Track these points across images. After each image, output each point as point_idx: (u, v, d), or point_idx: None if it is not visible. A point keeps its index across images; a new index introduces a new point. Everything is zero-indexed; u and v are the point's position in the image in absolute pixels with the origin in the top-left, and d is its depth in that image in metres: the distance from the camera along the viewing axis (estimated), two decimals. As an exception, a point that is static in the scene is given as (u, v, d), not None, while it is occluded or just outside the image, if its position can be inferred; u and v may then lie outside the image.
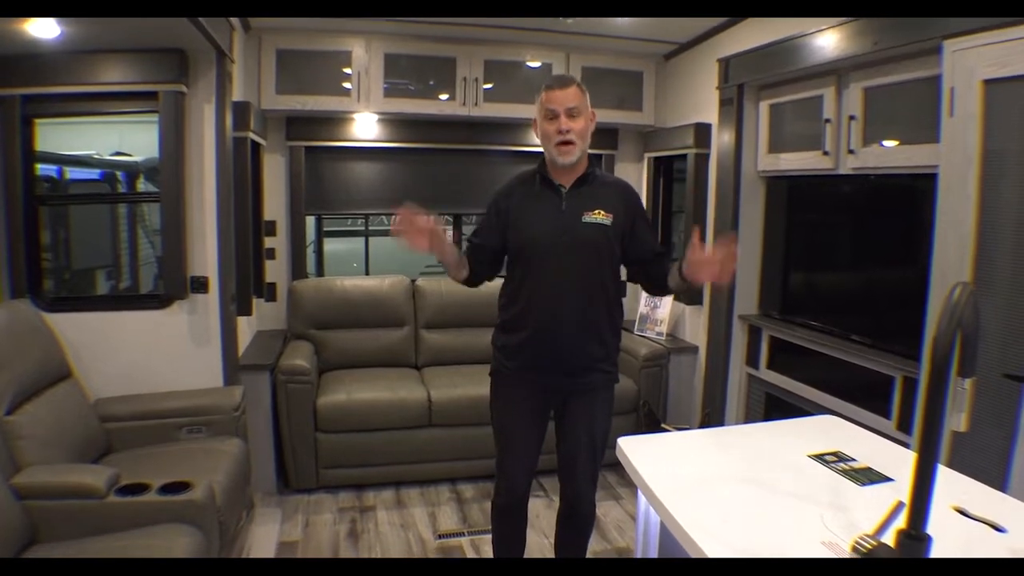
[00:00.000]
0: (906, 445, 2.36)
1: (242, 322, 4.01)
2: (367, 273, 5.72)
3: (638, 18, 4.14)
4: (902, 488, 1.29)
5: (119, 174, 4.96)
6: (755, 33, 3.91)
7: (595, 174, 2.63)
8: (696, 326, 4.75)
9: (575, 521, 2.84)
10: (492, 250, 2.68)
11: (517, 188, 2.67)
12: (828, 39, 3.33)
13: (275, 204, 4.79)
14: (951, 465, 2.24)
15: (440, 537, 3.65)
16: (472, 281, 2.71)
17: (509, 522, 2.87)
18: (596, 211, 2.54)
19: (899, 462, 1.95)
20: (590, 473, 2.72)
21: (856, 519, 1.60)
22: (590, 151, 2.67)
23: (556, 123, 2.49)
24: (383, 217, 8.88)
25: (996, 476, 2.44)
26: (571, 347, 2.56)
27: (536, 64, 4.83)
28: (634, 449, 2.05)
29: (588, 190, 2.58)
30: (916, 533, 1.19)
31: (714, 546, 1.48)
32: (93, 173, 4.97)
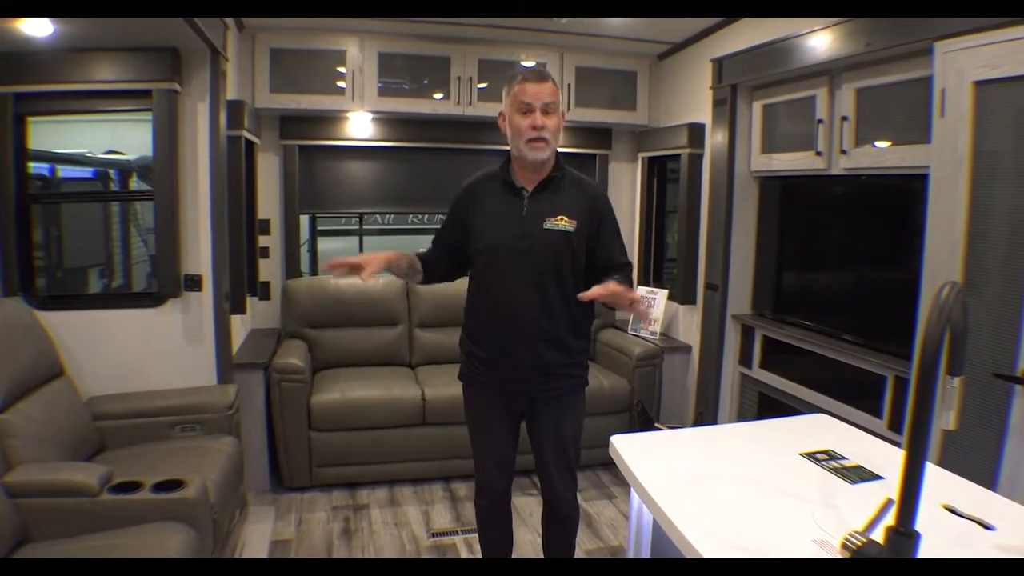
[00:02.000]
0: (897, 444, 2.36)
1: (236, 321, 4.01)
2: (361, 272, 5.71)
3: (632, 18, 4.16)
4: (892, 486, 1.30)
5: (112, 172, 4.95)
6: (748, 34, 3.93)
7: (562, 176, 2.53)
8: (689, 325, 4.77)
9: (556, 521, 2.82)
10: (450, 246, 2.62)
11: (481, 186, 2.59)
12: (821, 40, 3.35)
13: (269, 203, 4.79)
14: (942, 464, 2.25)
15: (433, 535, 3.65)
16: (427, 281, 2.67)
17: (493, 522, 2.88)
18: (559, 217, 2.46)
19: (890, 460, 1.96)
20: (564, 476, 2.69)
21: (846, 516, 1.61)
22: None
23: (531, 118, 2.41)
24: (377, 216, 8.88)
25: (986, 475, 2.46)
26: (532, 356, 2.50)
27: (530, 64, 4.83)
28: (627, 447, 2.06)
29: (551, 194, 2.50)
30: (904, 530, 1.20)
31: (706, 544, 1.49)
32: (86, 171, 4.95)
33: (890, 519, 1.23)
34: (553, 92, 2.44)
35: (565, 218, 2.47)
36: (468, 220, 2.56)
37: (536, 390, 2.57)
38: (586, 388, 2.71)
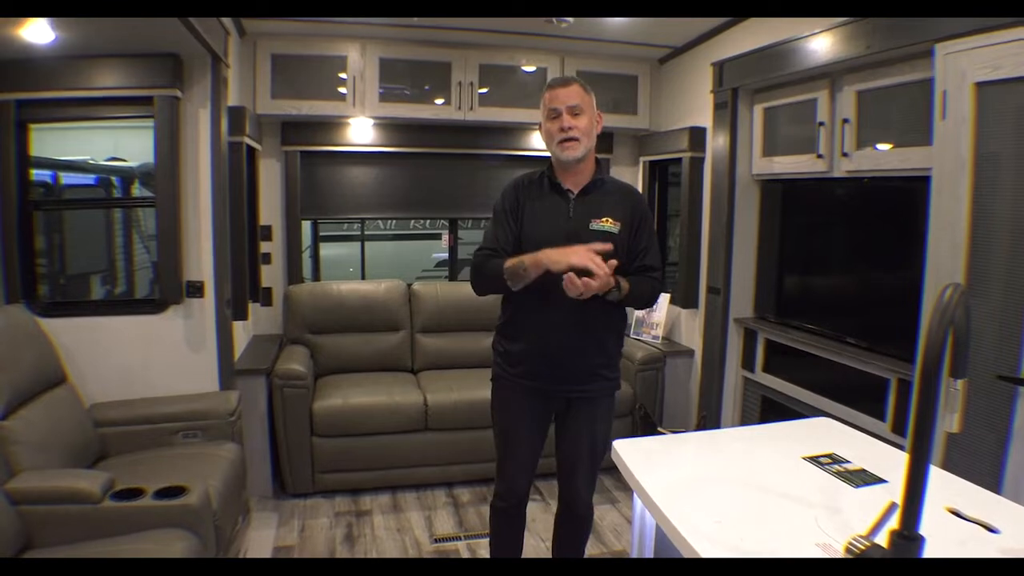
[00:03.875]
0: (901, 447, 2.37)
1: (238, 327, 4.01)
2: (363, 277, 5.72)
3: (633, 21, 4.17)
4: (896, 489, 1.30)
5: (114, 179, 4.96)
6: (749, 37, 3.93)
7: (604, 179, 2.61)
8: (692, 329, 4.76)
9: (572, 524, 2.84)
10: (517, 240, 2.58)
11: (524, 188, 2.61)
12: (821, 43, 3.35)
13: (271, 209, 4.79)
14: (946, 467, 2.24)
15: (436, 541, 3.64)
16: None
17: (507, 525, 2.87)
18: (604, 219, 2.52)
19: (893, 464, 1.95)
20: (589, 478, 2.72)
21: (850, 520, 1.60)
22: (596, 156, 2.65)
23: (559, 121, 2.48)
24: (379, 222, 8.90)
25: (990, 477, 2.45)
26: (573, 355, 2.54)
27: (531, 68, 4.84)
28: (630, 452, 2.06)
29: (596, 197, 2.55)
30: (909, 533, 1.19)
31: (709, 548, 1.48)
32: (88, 178, 4.96)
33: (894, 523, 1.22)
34: (578, 94, 2.50)
35: (610, 220, 2.52)
36: (518, 216, 2.57)
37: (574, 391, 2.60)
38: (617, 392, 2.74)
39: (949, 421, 1.38)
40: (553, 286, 2.40)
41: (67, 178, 4.76)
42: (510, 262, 2.45)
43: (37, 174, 3.84)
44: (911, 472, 1.17)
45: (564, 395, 2.61)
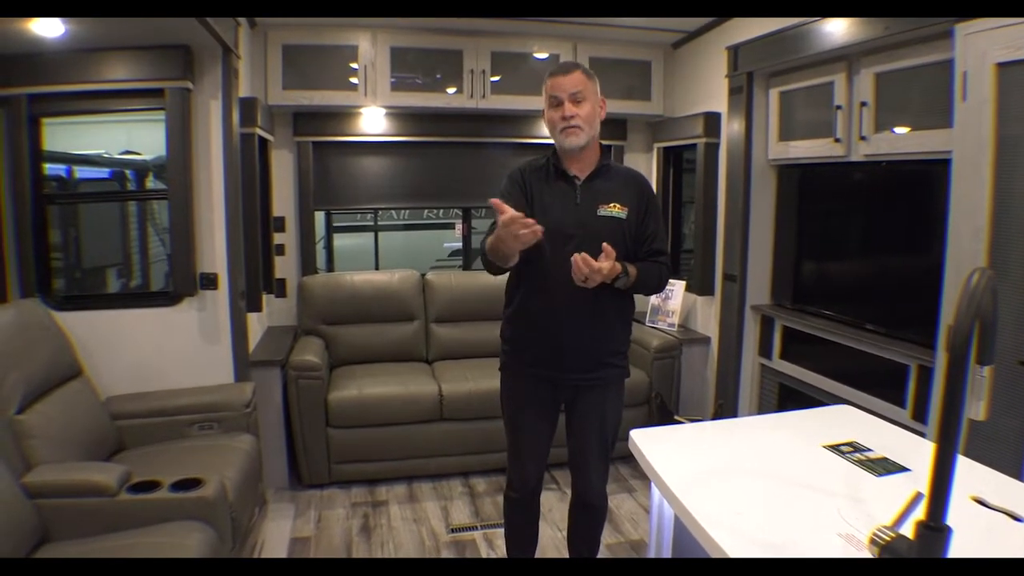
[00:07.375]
0: (921, 434, 2.33)
1: (252, 318, 4.01)
2: (377, 268, 5.72)
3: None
4: (919, 478, 1.27)
5: (129, 172, 4.97)
6: (764, 20, 3.87)
7: (609, 166, 2.59)
8: (708, 317, 4.72)
9: (587, 514, 2.83)
10: None
11: (529, 174, 2.59)
12: (838, 25, 3.29)
13: (284, 200, 4.79)
14: (967, 454, 2.21)
15: (453, 531, 3.64)
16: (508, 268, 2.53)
17: (521, 515, 2.87)
18: (611, 204, 2.50)
19: (915, 451, 1.93)
20: (601, 467, 2.70)
21: (873, 510, 1.58)
22: (601, 141, 2.62)
23: (560, 109, 2.46)
24: (392, 212, 8.88)
25: (1012, 464, 2.41)
26: (581, 342, 2.52)
27: (543, 55, 4.81)
28: (646, 441, 2.04)
29: (603, 182, 2.53)
30: (935, 524, 1.16)
31: (728, 539, 1.46)
32: (103, 172, 4.98)
33: (920, 513, 1.20)
34: (580, 80, 2.48)
35: (618, 205, 2.51)
36: (526, 199, 2.52)
37: (582, 379, 2.58)
38: (626, 380, 2.71)
39: (975, 409, 1.35)
40: (559, 274, 2.37)
41: (81, 172, 4.78)
42: (488, 241, 2.40)
43: (52, 168, 3.85)
44: (938, 462, 1.14)
45: (572, 383, 2.59)
